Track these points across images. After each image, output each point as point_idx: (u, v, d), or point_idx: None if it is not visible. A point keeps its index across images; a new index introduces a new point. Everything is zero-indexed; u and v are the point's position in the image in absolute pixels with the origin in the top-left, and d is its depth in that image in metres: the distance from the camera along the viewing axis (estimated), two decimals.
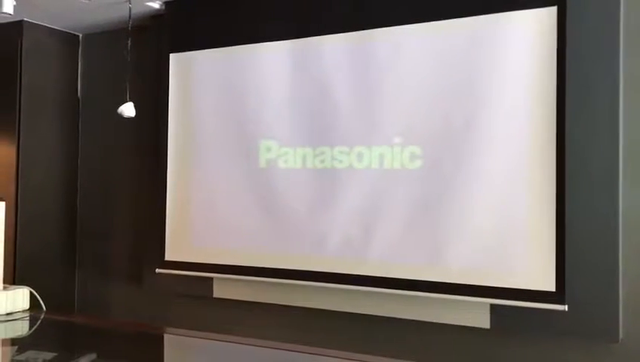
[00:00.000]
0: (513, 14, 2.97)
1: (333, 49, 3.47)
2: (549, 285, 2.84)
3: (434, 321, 3.22)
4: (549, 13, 2.88)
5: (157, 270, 3.98)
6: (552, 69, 2.87)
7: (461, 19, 3.10)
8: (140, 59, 4.06)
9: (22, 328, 2.52)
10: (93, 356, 2.09)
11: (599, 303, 2.85)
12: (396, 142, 3.28)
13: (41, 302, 2.57)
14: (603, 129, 2.88)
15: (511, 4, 2.98)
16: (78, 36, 4.71)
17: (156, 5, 4.02)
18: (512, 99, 2.98)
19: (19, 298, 2.52)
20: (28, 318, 2.51)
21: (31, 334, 2.51)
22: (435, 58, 3.18)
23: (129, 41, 3.75)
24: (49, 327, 2.53)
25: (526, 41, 2.94)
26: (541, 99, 2.90)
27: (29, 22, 4.36)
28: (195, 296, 3.97)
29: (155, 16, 4.13)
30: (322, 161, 3.50)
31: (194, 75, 3.96)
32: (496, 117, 3.01)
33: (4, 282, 2.55)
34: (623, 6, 2.88)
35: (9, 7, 3.15)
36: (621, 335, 2.84)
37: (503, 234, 2.97)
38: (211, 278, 3.88)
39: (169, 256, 3.97)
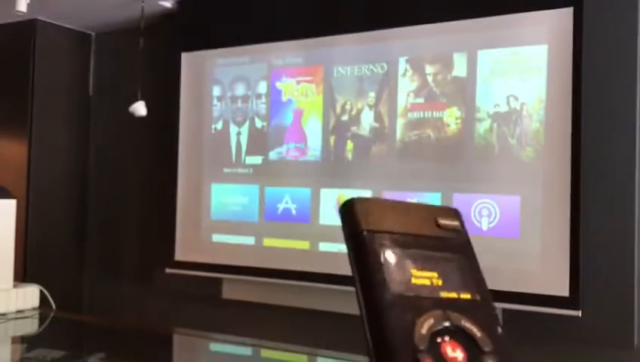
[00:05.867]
0: (529, 15, 2.94)
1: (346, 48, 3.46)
2: (563, 290, 2.80)
3: None
4: (566, 14, 2.85)
5: (167, 270, 3.97)
6: (567, 71, 2.84)
7: (477, 19, 3.08)
8: (151, 58, 4.06)
9: (31, 326, 2.52)
10: (102, 355, 2.08)
11: (614, 309, 2.81)
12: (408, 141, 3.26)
13: (51, 300, 2.57)
14: (620, 132, 2.84)
15: (527, 5, 2.95)
16: (90, 35, 4.72)
17: (168, 4, 4.02)
18: (528, 100, 2.95)
19: (28, 296, 2.51)
20: (37, 316, 2.51)
21: (40, 332, 2.51)
22: (450, 58, 3.16)
23: (141, 40, 3.75)
24: (58, 326, 2.52)
25: (542, 41, 2.91)
26: (557, 100, 2.87)
27: (42, 20, 4.37)
28: (205, 296, 3.96)
29: (167, 15, 4.13)
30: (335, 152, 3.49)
31: (205, 73, 3.96)
32: (512, 118, 2.99)
33: (14, 280, 2.54)
34: None
35: (22, 5, 3.16)
36: (636, 341, 2.80)
37: (516, 238, 2.93)
38: (221, 279, 3.87)
39: (179, 256, 3.96)
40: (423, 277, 0.36)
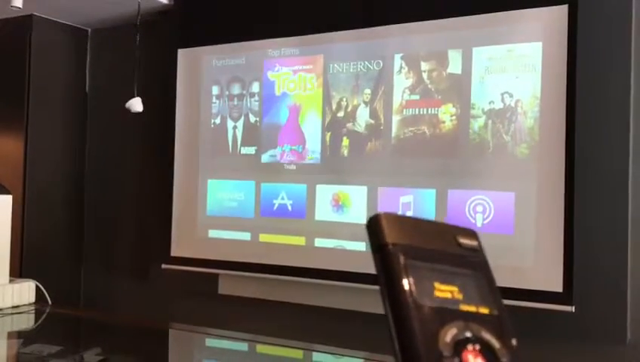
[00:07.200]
0: (524, 12, 2.96)
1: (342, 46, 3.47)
2: (557, 285, 2.82)
3: None
4: (561, 11, 2.86)
5: (163, 265, 3.98)
6: (562, 69, 2.85)
7: (472, 16, 3.09)
8: (148, 54, 4.05)
9: (27, 321, 2.52)
10: (98, 350, 2.09)
11: (607, 304, 2.83)
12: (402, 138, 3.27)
13: (47, 295, 2.58)
14: (613, 129, 2.86)
15: (522, 2, 2.96)
16: (86, 31, 4.72)
17: (165, 0, 4.02)
18: (523, 97, 2.96)
19: (25, 291, 2.52)
20: (33, 311, 2.51)
21: (36, 327, 2.52)
22: (445, 55, 3.17)
23: (137, 37, 3.75)
24: (54, 321, 2.53)
25: (537, 38, 2.92)
26: (551, 97, 2.88)
27: (38, 16, 4.37)
28: (201, 291, 3.97)
29: (163, 12, 4.13)
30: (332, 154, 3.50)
31: (201, 70, 3.96)
32: (506, 115, 3.00)
33: (10, 275, 2.55)
34: (635, 4, 2.86)
35: (19, 1, 3.15)
36: (629, 337, 2.82)
37: (510, 234, 2.95)
38: (217, 274, 3.88)
39: (175, 251, 3.97)
40: (445, 291, 0.39)
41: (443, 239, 0.42)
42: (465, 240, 0.42)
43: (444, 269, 0.40)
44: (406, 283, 0.38)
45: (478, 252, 0.42)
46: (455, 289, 0.39)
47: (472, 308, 0.39)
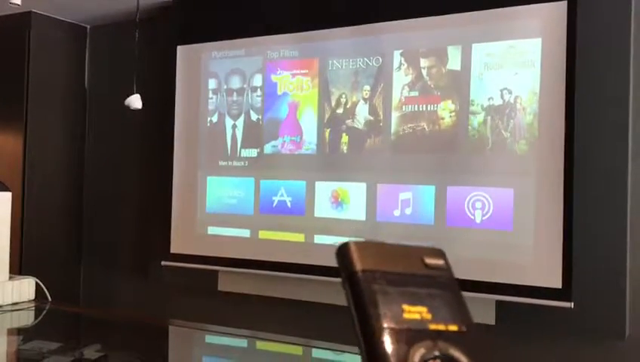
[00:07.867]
0: (523, 8, 2.95)
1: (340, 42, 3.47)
2: (556, 282, 2.82)
3: None
4: (560, 7, 2.86)
5: (162, 262, 3.98)
6: (561, 65, 2.85)
7: (472, 12, 3.09)
8: (147, 51, 4.05)
9: (27, 318, 2.53)
10: (98, 347, 2.10)
11: (606, 300, 2.83)
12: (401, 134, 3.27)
13: (47, 292, 2.58)
14: (612, 125, 2.86)
15: None
16: (85, 28, 4.71)
17: None
18: (522, 93, 2.96)
19: (24, 288, 2.52)
20: (33, 308, 2.52)
21: (36, 324, 2.52)
22: (444, 52, 3.17)
23: (137, 33, 3.74)
24: (54, 318, 2.54)
25: (536, 34, 2.92)
26: (550, 93, 2.88)
27: (37, 13, 4.36)
28: (200, 288, 3.98)
29: (162, 8, 4.12)
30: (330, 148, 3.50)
31: (201, 66, 3.96)
32: (506, 111, 3.00)
33: (10, 272, 2.55)
34: (634, 1, 2.86)
35: None
36: (628, 332, 2.83)
37: (510, 230, 2.95)
38: (216, 271, 3.88)
39: (174, 248, 3.97)
40: (414, 312, 0.40)
41: (410, 261, 0.43)
42: (431, 261, 0.43)
43: (413, 291, 0.41)
44: (375, 309, 0.39)
45: (445, 270, 0.44)
46: (424, 309, 0.40)
47: (440, 327, 0.40)
